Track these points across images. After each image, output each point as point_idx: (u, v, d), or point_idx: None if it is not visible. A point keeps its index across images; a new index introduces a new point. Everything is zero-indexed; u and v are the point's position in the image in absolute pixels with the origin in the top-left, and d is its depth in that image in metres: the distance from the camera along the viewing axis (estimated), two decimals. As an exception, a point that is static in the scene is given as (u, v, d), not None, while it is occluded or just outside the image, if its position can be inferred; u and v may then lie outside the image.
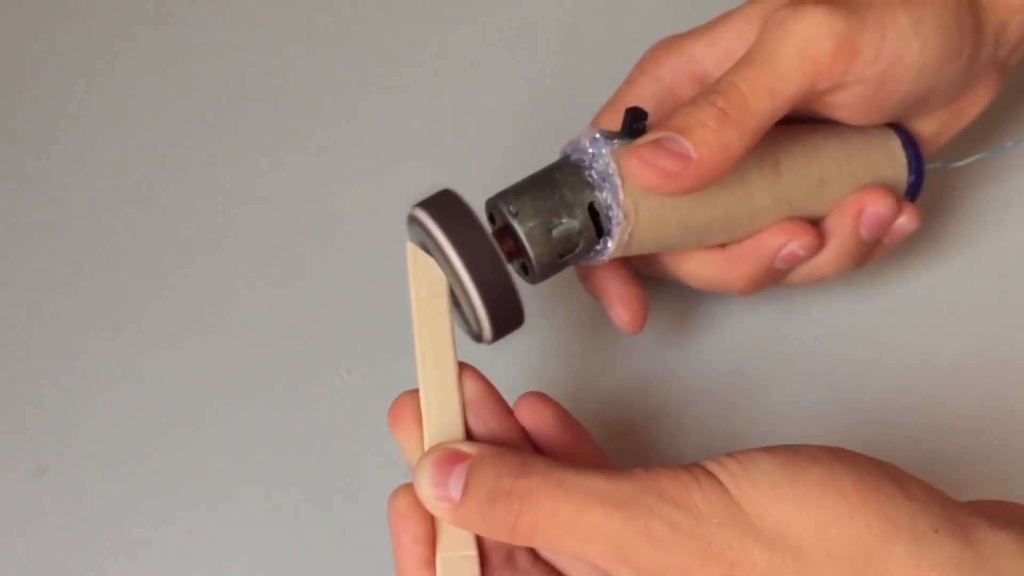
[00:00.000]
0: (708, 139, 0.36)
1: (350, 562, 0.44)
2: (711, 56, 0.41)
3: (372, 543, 0.44)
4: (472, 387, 0.35)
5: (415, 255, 0.35)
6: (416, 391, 0.35)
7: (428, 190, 0.36)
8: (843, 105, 0.39)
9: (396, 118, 0.56)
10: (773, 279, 0.42)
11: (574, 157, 0.38)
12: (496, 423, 0.35)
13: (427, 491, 0.32)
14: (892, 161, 0.43)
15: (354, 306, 0.50)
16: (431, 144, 0.55)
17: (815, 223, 0.42)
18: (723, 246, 0.41)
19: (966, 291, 0.48)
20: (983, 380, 0.45)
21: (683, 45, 0.42)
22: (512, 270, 0.36)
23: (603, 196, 0.37)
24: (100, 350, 0.50)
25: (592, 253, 0.38)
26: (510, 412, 0.35)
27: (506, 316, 0.35)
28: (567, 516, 0.30)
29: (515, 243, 0.37)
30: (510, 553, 0.34)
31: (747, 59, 0.38)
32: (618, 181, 0.37)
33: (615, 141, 0.38)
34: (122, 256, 0.53)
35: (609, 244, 0.38)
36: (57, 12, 0.62)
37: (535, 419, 0.35)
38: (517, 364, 0.47)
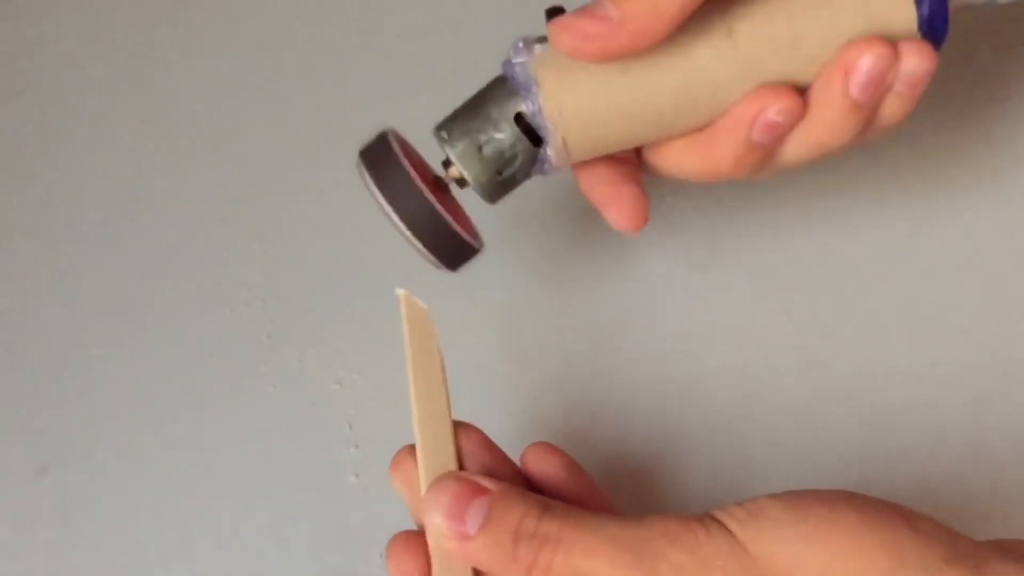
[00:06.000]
0: None
1: (347, 564, 0.44)
2: None
3: (364, 547, 0.44)
4: (470, 439, 0.34)
5: (408, 302, 0.35)
6: (414, 446, 0.34)
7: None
8: None
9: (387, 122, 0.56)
10: (763, 156, 0.37)
11: (503, 71, 0.37)
12: (496, 467, 0.34)
13: (439, 521, 0.31)
14: None
15: (345, 315, 0.50)
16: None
17: (804, 89, 0.36)
18: (702, 131, 0.37)
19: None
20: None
21: None
22: (458, 202, 0.38)
23: (527, 103, 0.36)
24: (100, 351, 0.50)
25: (537, 164, 0.37)
26: (508, 460, 0.35)
27: (451, 249, 0.37)
28: (579, 557, 0.30)
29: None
30: None
31: None
32: (534, 85, 0.35)
33: (538, 46, 0.36)
34: (121, 257, 0.53)
35: (548, 151, 0.36)
36: (55, 12, 0.62)
37: (542, 468, 0.35)
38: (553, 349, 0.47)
